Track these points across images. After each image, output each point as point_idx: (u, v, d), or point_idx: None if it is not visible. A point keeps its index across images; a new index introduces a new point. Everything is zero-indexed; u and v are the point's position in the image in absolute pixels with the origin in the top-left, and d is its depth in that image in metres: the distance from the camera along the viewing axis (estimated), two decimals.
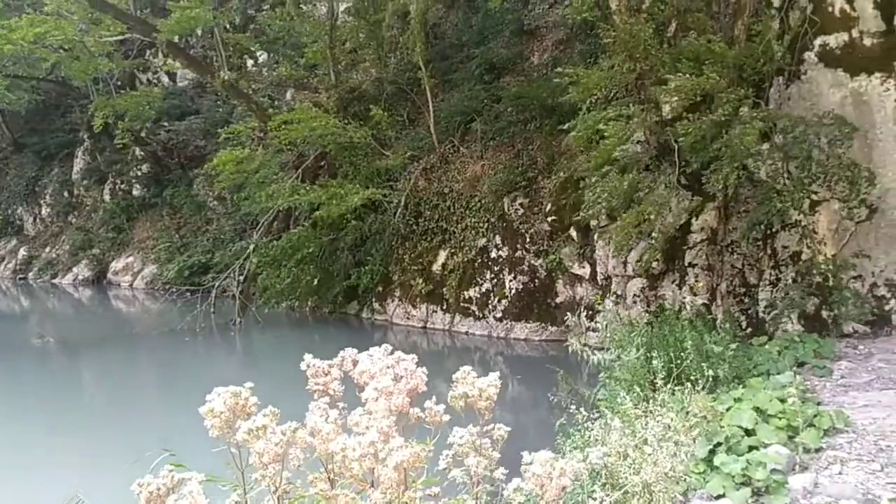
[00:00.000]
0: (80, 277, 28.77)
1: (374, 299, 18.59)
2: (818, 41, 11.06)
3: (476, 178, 17.37)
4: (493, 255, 16.38)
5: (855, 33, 10.83)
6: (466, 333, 16.37)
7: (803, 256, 11.02)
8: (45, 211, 32.52)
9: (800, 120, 10.68)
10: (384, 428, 2.53)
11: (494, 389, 2.81)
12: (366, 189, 17.63)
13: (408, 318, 17.66)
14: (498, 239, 16.36)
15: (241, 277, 20.18)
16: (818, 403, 7.33)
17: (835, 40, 10.95)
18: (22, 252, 31.68)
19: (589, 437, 6.19)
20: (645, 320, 9.54)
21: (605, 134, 11.78)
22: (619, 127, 11.56)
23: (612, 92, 13.14)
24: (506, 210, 16.26)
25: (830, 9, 10.97)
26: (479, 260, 16.63)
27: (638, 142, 12.99)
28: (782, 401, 6.74)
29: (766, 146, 11.00)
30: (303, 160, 20.81)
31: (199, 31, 25.83)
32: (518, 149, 17.14)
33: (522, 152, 16.94)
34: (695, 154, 11.42)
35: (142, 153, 29.21)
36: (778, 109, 11.35)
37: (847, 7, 10.83)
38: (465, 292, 16.67)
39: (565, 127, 12.96)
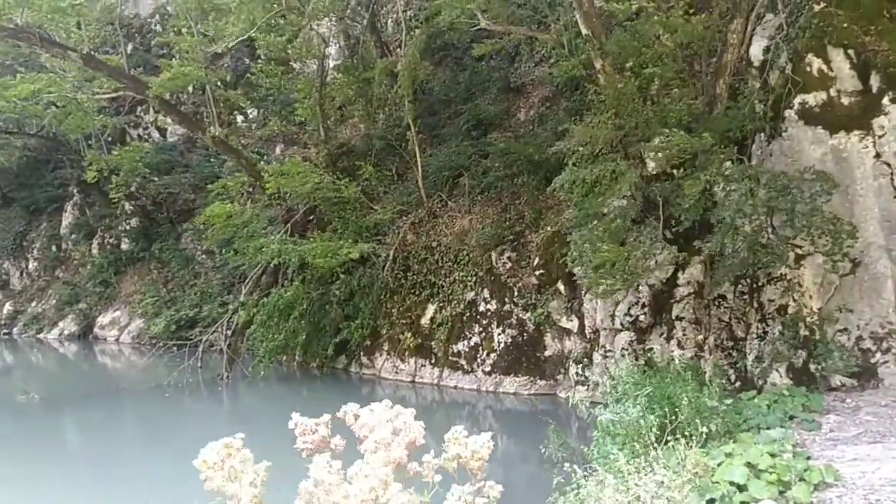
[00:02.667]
0: (66, 332, 28.48)
1: (362, 353, 18.49)
2: (798, 100, 11.36)
3: (464, 233, 17.50)
4: (482, 308, 16.40)
5: (833, 92, 11.15)
6: (455, 387, 16.27)
7: (790, 310, 11.12)
8: (32, 265, 32.33)
9: (782, 175, 10.90)
10: (383, 476, 2.56)
11: (487, 450, 2.83)
12: (356, 244, 17.68)
13: (396, 373, 17.55)
14: (486, 293, 16.40)
15: (229, 332, 20.06)
16: (808, 458, 7.33)
17: (814, 99, 11.25)
18: (7, 307, 31.37)
19: (584, 494, 6.15)
20: (634, 374, 9.54)
21: (595, 189, 11.95)
22: (611, 183, 11.73)
23: (598, 148, 13.36)
24: (494, 264, 16.34)
25: (809, 69, 11.30)
26: (468, 314, 16.63)
27: (623, 196, 13.17)
28: (773, 455, 6.74)
29: (749, 201, 11.19)
30: (292, 214, 20.92)
31: (190, 88, 26.15)
32: (505, 203, 17.32)
33: (510, 207, 17.12)
34: (682, 211, 11.57)
35: (131, 207, 29.26)
36: (760, 166, 11.59)
37: (825, 67, 11.17)
38: (454, 346, 16.64)
39: (554, 181, 13.12)
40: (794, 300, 11.11)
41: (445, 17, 17.32)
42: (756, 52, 12.29)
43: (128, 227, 29.68)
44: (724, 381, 10.36)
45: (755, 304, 11.63)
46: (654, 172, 12.55)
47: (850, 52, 11.08)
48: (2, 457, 13.56)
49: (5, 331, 30.39)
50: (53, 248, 31.96)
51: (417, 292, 17.74)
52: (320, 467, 2.67)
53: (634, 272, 11.63)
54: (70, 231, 31.38)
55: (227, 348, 19.40)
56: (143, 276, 28.32)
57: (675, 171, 12.14)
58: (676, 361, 11.10)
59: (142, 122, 31.53)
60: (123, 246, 29.75)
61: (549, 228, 15.67)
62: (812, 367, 10.76)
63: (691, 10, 12.11)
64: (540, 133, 17.83)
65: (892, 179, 10.78)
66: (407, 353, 17.45)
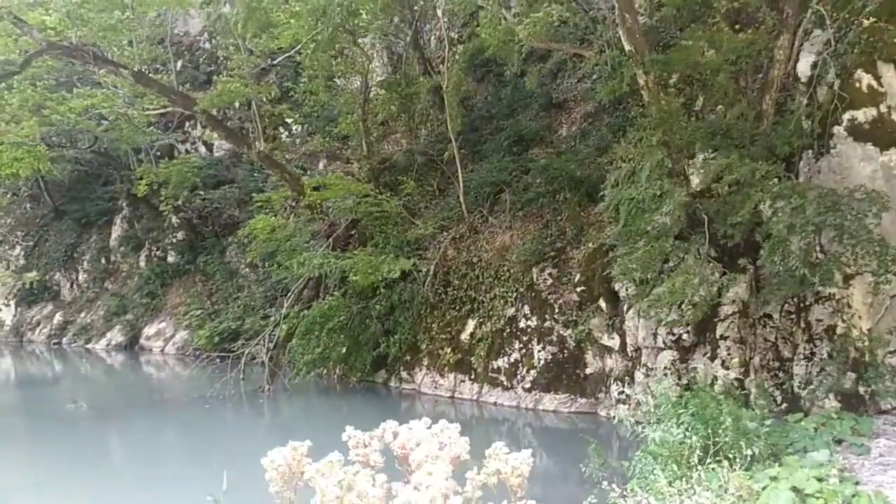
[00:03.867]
0: (114, 343, 29.06)
1: (401, 368, 18.52)
2: (847, 116, 11.15)
3: (505, 248, 17.47)
4: (522, 324, 16.33)
5: (883, 108, 10.93)
6: (494, 404, 16.20)
7: (838, 330, 10.87)
8: (81, 277, 33.10)
9: (831, 192, 10.68)
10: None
11: (527, 467, 2.82)
12: (397, 259, 17.76)
13: (435, 388, 17.53)
14: (527, 309, 16.33)
15: (271, 345, 20.26)
16: (856, 483, 7.13)
17: (863, 115, 11.04)
18: (57, 317, 32.15)
19: None
20: (676, 394, 9.39)
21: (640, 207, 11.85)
22: (656, 200, 11.62)
23: (640, 165, 13.25)
24: (535, 280, 16.28)
25: (858, 84, 11.10)
26: (508, 330, 16.57)
27: (667, 213, 13.03)
28: (820, 480, 6.58)
29: (801, 216, 10.98)
30: (334, 229, 21.11)
31: (236, 104, 26.65)
32: (547, 219, 17.26)
33: (551, 223, 17.05)
34: (728, 227, 11.39)
35: (178, 221, 29.83)
36: (808, 183, 11.37)
37: (874, 83, 10.96)
38: (494, 362, 16.57)
39: (599, 195, 13.08)
40: (843, 321, 10.85)
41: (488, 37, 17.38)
42: (803, 67, 12.10)
43: (174, 241, 30.26)
44: (769, 403, 10.14)
45: (802, 325, 11.39)
46: (698, 189, 12.40)
47: None
48: (50, 462, 13.93)
49: (55, 340, 31.14)
50: (102, 260, 32.70)
51: (458, 308, 17.73)
52: (363, 479, 2.68)
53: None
54: (119, 244, 32.09)
55: (269, 361, 19.59)
56: (189, 288, 28.79)
57: (719, 188, 11.98)
58: (720, 381, 10.93)
59: (189, 137, 32.20)
60: (170, 259, 30.32)
61: (590, 245, 15.56)
62: (861, 389, 10.48)
63: (737, 27, 11.99)
64: (582, 149, 17.78)
65: None
66: (446, 368, 17.44)
